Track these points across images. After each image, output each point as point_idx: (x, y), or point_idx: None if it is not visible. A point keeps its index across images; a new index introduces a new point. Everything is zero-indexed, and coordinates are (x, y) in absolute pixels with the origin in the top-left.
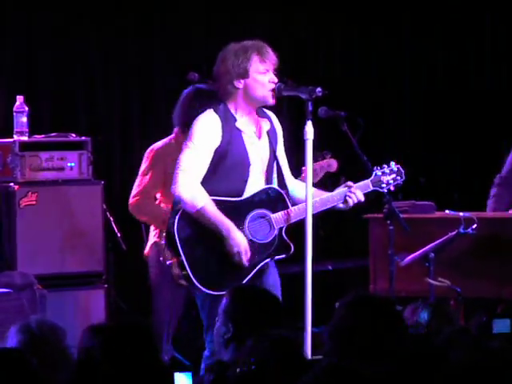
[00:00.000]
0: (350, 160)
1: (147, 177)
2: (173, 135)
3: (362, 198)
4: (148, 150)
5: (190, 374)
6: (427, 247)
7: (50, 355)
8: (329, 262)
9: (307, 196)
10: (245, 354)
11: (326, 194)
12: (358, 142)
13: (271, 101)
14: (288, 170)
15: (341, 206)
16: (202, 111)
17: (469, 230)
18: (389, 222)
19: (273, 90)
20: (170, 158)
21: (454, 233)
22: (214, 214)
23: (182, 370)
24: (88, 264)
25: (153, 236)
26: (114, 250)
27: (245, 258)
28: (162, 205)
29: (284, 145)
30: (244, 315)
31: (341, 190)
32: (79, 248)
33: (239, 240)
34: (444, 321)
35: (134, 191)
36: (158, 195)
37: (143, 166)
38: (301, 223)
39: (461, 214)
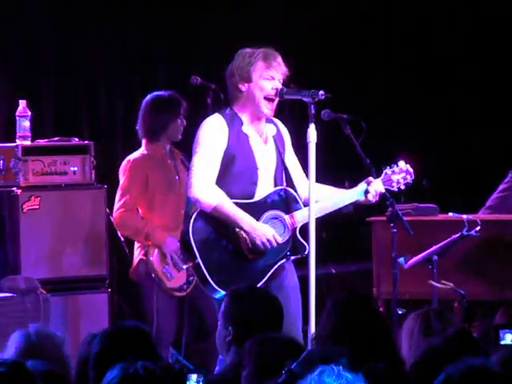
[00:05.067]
0: (353, 163)
1: (126, 190)
2: (143, 147)
3: (383, 189)
4: (124, 163)
5: (197, 374)
6: (431, 250)
7: (47, 361)
8: (332, 265)
9: (310, 198)
10: (247, 356)
11: (344, 191)
12: (361, 145)
13: (266, 111)
14: (301, 174)
15: (361, 199)
16: (164, 119)
17: (472, 232)
18: (392, 224)
19: (269, 100)
20: (149, 170)
21: (457, 235)
22: (232, 210)
23: (193, 371)
24: (91, 268)
25: (138, 253)
26: (117, 254)
27: (274, 245)
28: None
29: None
30: (242, 317)
31: (361, 185)
32: (83, 252)
33: (263, 230)
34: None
35: (116, 206)
36: (140, 211)
37: (122, 180)
38: (304, 226)
39: (464, 216)
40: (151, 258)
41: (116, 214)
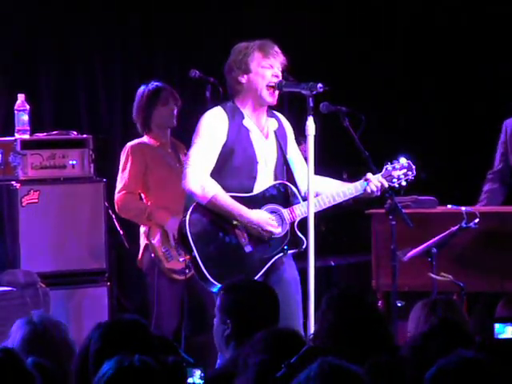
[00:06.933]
0: (351, 156)
1: (126, 172)
2: (144, 136)
3: (386, 183)
4: (123, 149)
5: (200, 369)
6: (430, 242)
7: (53, 348)
8: (331, 257)
9: (309, 192)
10: (253, 348)
11: (347, 185)
12: (360, 138)
13: (269, 99)
14: (303, 168)
15: (362, 193)
16: (144, 109)
17: (471, 224)
18: (391, 217)
19: (271, 87)
20: (148, 155)
21: (456, 227)
22: (226, 201)
23: (192, 366)
24: (91, 262)
25: (143, 239)
26: (116, 247)
27: (273, 229)
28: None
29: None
30: (239, 308)
31: (361, 182)
32: (82, 246)
33: (257, 217)
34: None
35: (117, 189)
36: (143, 195)
37: (121, 163)
38: (304, 220)
39: (463, 208)
40: (153, 241)
41: (118, 196)
